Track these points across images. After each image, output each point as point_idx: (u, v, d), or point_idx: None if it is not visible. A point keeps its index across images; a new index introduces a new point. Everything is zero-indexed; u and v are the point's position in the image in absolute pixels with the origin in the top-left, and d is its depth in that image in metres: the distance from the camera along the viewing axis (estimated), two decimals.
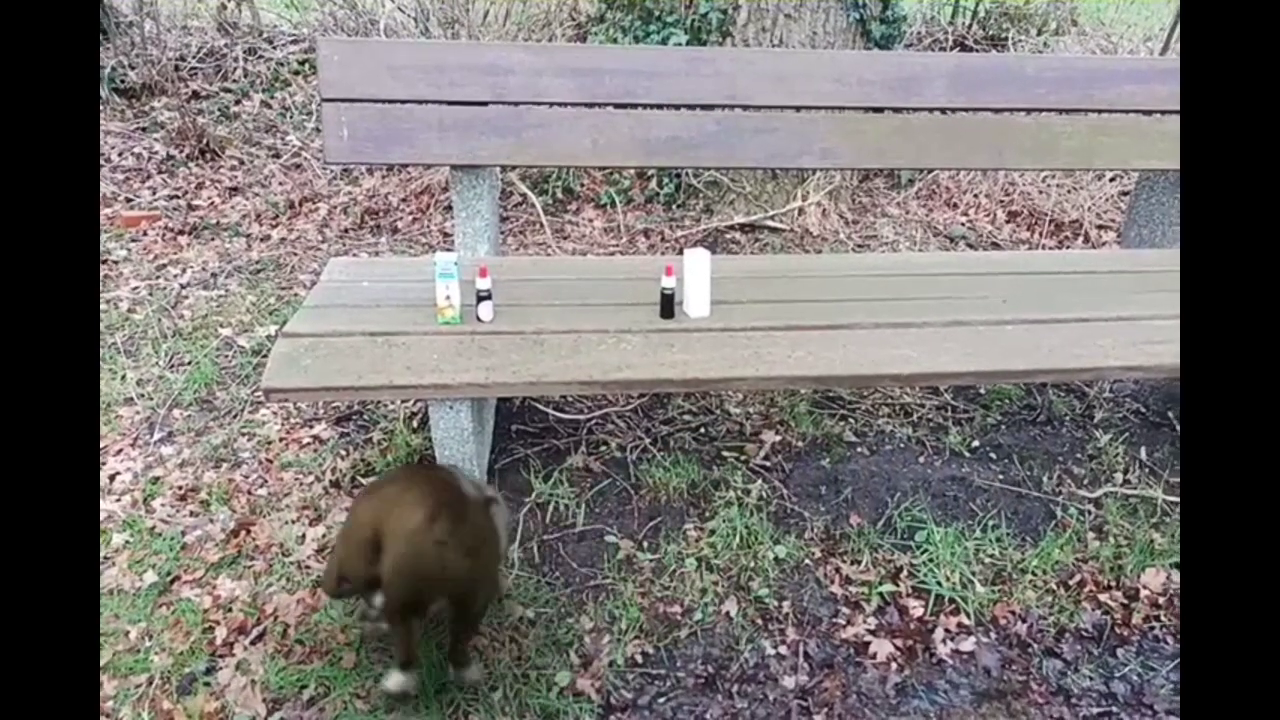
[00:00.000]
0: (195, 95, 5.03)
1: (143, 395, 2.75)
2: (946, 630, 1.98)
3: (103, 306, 3.22)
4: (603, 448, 2.53)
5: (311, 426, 2.61)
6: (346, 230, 4.05)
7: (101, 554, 2.11)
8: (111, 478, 2.37)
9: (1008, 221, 4.31)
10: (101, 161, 4.42)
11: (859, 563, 2.15)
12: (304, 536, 2.17)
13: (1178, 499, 2.37)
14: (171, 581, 2.05)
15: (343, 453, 2.47)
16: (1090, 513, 2.34)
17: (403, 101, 2.43)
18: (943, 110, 2.69)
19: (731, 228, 4.03)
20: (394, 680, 1.70)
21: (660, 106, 2.55)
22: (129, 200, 4.20)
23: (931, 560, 2.14)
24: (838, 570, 2.13)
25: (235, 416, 2.66)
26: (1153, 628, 2.00)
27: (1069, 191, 4.42)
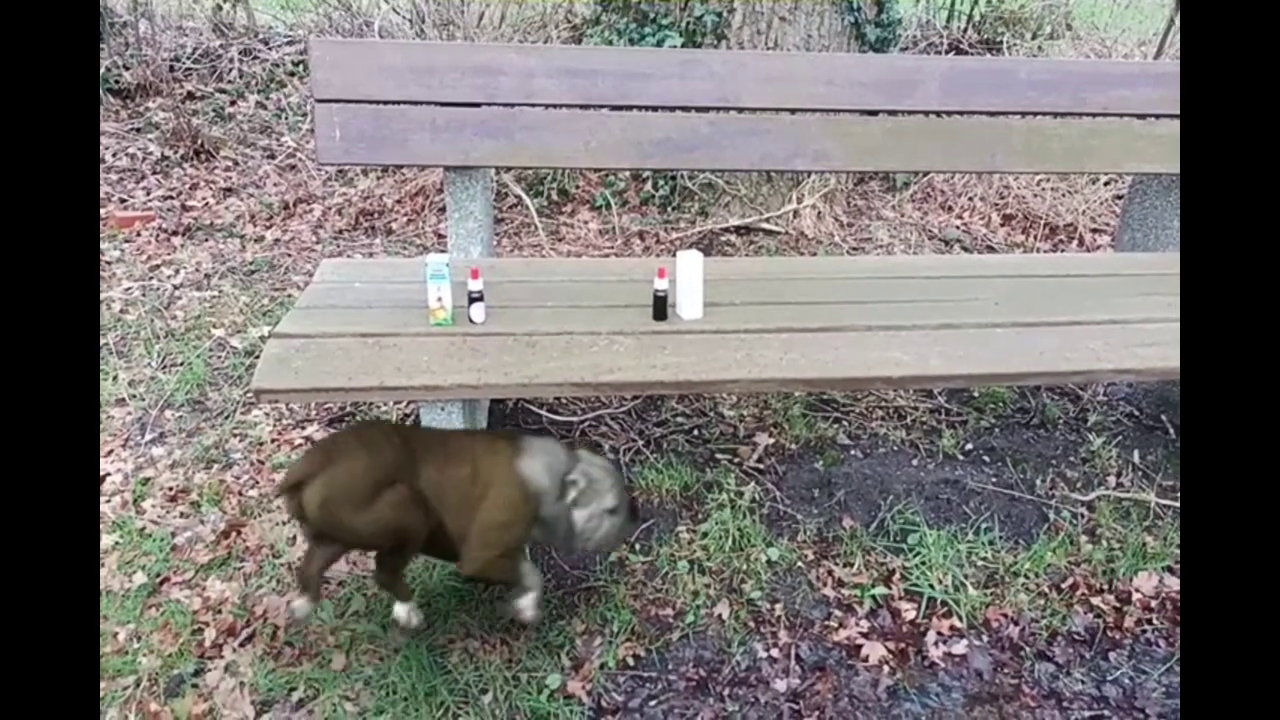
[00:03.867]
0: (190, 96, 5.03)
1: (134, 396, 2.74)
2: (939, 633, 1.98)
3: None
4: (596, 450, 2.53)
5: (304, 428, 2.61)
6: (341, 231, 4.05)
7: None
8: (102, 478, 2.36)
9: (1002, 225, 4.32)
10: None
11: (851, 565, 2.15)
12: (295, 538, 2.16)
13: (1170, 502, 2.37)
14: (161, 583, 2.04)
15: None
16: (1083, 516, 2.34)
17: (395, 102, 2.43)
18: (936, 113, 2.69)
19: (727, 230, 4.03)
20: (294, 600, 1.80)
21: (654, 108, 2.55)
22: (123, 201, 4.19)
23: (924, 563, 2.14)
24: (830, 573, 2.13)
25: (227, 417, 2.65)
26: (1145, 631, 2.00)
27: (1063, 195, 4.43)
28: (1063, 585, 2.11)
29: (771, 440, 2.59)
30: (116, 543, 2.14)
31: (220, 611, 1.96)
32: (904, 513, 2.30)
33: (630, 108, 2.54)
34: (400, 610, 1.83)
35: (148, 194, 4.28)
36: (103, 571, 2.05)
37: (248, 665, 1.83)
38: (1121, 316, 2.25)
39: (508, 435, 1.85)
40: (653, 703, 1.80)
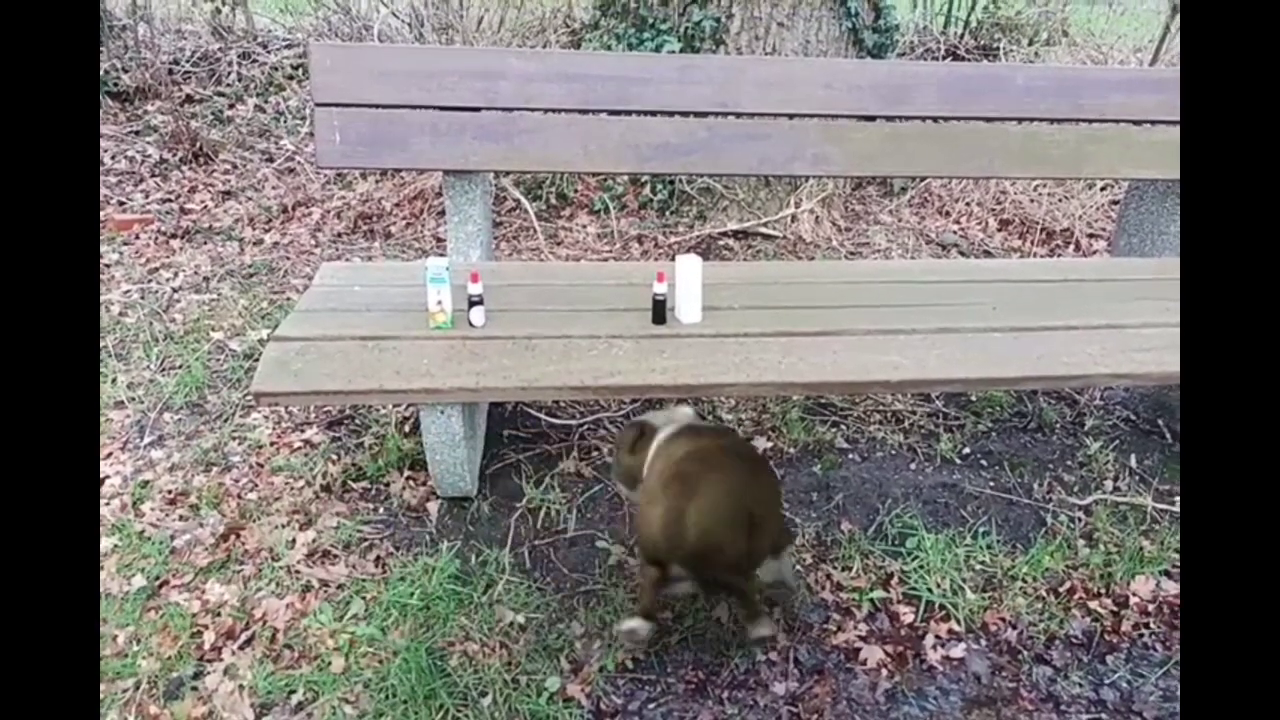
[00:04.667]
0: (189, 99, 5.03)
1: (133, 399, 2.74)
2: (937, 637, 1.98)
3: None
4: (594, 453, 2.53)
5: (303, 431, 2.61)
6: (340, 235, 4.05)
7: None
8: (101, 481, 2.36)
9: (999, 229, 4.33)
10: None
11: (850, 569, 2.15)
12: (294, 541, 2.17)
13: (1167, 506, 2.38)
14: (160, 586, 2.04)
15: (334, 457, 2.47)
16: (1080, 520, 2.34)
17: (395, 106, 2.43)
18: (933, 119, 2.71)
19: (725, 234, 4.04)
20: (630, 622, 1.81)
21: (653, 113, 2.56)
22: (121, 204, 4.19)
23: (922, 567, 2.14)
24: (829, 576, 2.13)
25: (226, 420, 2.65)
26: (1142, 635, 2.01)
27: (1060, 200, 4.44)
28: (1060, 589, 2.12)
29: (770, 444, 2.60)
30: (116, 545, 2.14)
31: (219, 614, 1.96)
32: (902, 516, 2.31)
33: (629, 112, 2.55)
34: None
35: (146, 197, 4.28)
36: (102, 574, 2.05)
37: (247, 668, 1.83)
38: (1118, 321, 2.27)
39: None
40: (652, 705, 1.80)
